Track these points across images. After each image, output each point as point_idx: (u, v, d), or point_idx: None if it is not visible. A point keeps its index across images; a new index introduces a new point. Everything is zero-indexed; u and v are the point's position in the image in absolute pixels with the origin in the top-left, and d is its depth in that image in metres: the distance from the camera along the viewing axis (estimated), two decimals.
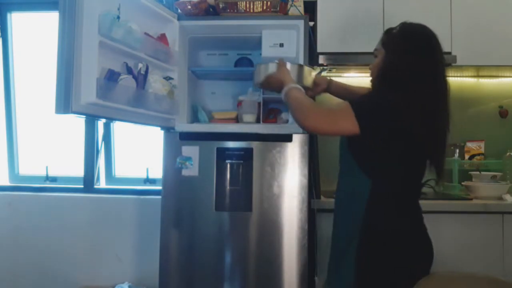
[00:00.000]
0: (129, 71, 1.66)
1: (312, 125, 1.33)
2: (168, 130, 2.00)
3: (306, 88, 1.66)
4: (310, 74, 1.72)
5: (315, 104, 1.40)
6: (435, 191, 2.19)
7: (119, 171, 2.83)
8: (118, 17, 1.55)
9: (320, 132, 1.47)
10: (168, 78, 1.91)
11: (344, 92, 1.77)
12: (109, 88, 1.51)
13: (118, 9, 1.57)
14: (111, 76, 1.53)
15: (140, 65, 1.70)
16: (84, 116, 1.57)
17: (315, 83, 1.76)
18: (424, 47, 1.31)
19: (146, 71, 1.75)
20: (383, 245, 1.29)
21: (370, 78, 1.46)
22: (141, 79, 1.71)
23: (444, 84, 1.32)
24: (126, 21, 1.59)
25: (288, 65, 1.64)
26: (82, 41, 1.43)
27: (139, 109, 1.69)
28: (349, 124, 1.26)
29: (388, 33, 1.40)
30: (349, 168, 1.37)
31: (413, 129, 1.25)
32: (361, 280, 1.30)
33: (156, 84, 1.78)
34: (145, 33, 1.76)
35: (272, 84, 1.63)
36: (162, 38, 1.91)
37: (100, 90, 1.45)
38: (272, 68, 1.65)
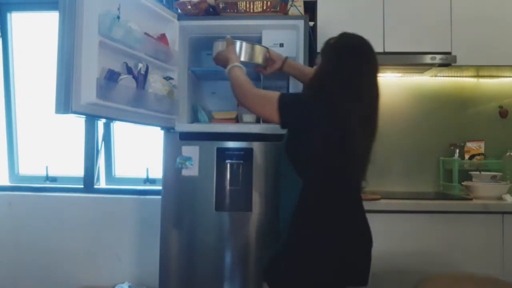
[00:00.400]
0: (129, 71, 1.66)
1: (244, 103, 1.49)
2: (168, 130, 2.00)
3: (259, 66, 1.80)
4: (261, 53, 1.79)
5: (251, 85, 1.49)
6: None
7: (119, 171, 2.83)
8: (118, 17, 1.55)
9: (250, 111, 1.63)
10: (168, 78, 1.91)
11: (296, 72, 1.84)
12: (109, 88, 1.51)
13: (118, 9, 1.57)
14: (111, 76, 1.53)
15: (140, 65, 1.70)
16: (84, 116, 1.57)
17: (272, 60, 1.82)
18: (354, 57, 1.39)
19: (146, 71, 1.75)
20: (308, 237, 1.36)
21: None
22: (141, 79, 1.71)
23: (374, 90, 1.39)
24: (126, 21, 1.59)
25: (237, 44, 1.73)
26: (82, 41, 1.43)
27: (139, 109, 1.69)
28: (272, 114, 1.37)
29: (327, 42, 1.47)
30: (286, 167, 1.43)
31: (331, 132, 1.32)
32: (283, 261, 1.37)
33: (156, 84, 1.78)
34: (145, 33, 1.76)
35: (220, 61, 1.72)
36: (162, 38, 1.91)
37: (100, 90, 1.45)
38: (222, 45, 1.73)
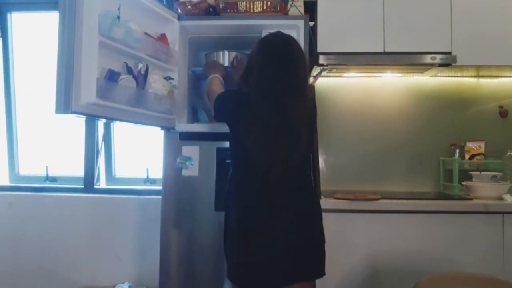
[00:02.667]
0: (129, 71, 1.66)
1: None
2: (168, 130, 2.00)
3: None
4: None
5: (216, 91, 1.68)
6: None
7: (119, 171, 2.83)
8: (118, 17, 1.55)
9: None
10: (168, 78, 1.91)
11: None
12: (109, 88, 1.51)
13: (118, 9, 1.57)
14: (111, 76, 1.53)
15: (140, 65, 1.70)
16: (84, 116, 1.57)
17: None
18: (261, 53, 1.52)
19: (146, 71, 1.75)
20: (227, 219, 1.59)
21: None
22: (141, 79, 1.71)
23: (280, 89, 1.46)
24: (126, 21, 1.59)
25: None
26: (82, 41, 1.43)
27: (139, 109, 1.69)
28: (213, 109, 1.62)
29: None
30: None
31: (239, 125, 1.50)
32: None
33: (156, 84, 1.78)
34: (145, 33, 1.76)
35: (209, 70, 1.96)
36: (162, 38, 1.90)
37: (100, 90, 1.45)
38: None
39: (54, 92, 1.41)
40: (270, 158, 1.43)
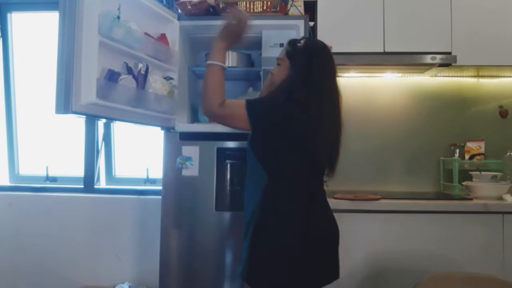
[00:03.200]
0: (129, 71, 1.66)
1: (207, 109, 1.45)
2: (168, 130, 2.00)
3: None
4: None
5: (223, 93, 1.47)
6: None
7: (119, 171, 2.83)
8: (118, 17, 1.55)
9: (212, 119, 1.52)
10: (168, 78, 1.91)
11: None
12: (109, 88, 1.51)
13: (118, 9, 1.57)
14: (111, 76, 1.53)
15: (140, 65, 1.70)
16: (84, 116, 1.57)
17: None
18: (324, 62, 1.47)
19: (146, 71, 1.74)
20: (268, 229, 1.40)
21: (268, 83, 1.58)
22: (141, 79, 1.71)
23: (337, 93, 1.47)
24: (126, 21, 1.59)
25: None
26: (82, 41, 1.43)
27: (139, 109, 1.69)
28: (240, 122, 1.42)
29: (293, 45, 1.50)
30: (251, 162, 1.49)
31: (300, 133, 1.40)
32: (250, 261, 1.40)
33: (156, 84, 1.78)
34: (145, 33, 1.75)
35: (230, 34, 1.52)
36: (162, 38, 1.90)
37: (100, 90, 1.45)
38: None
39: (54, 92, 1.41)
40: (333, 165, 1.50)
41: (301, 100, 1.40)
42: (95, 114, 1.53)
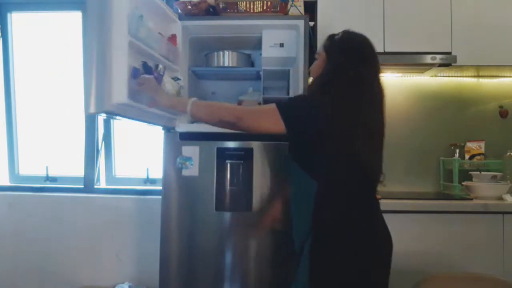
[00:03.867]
0: (148, 71, 1.61)
1: (244, 125, 1.36)
2: (168, 130, 2.00)
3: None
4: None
5: (235, 105, 1.44)
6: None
7: (119, 171, 2.83)
8: (141, 16, 1.51)
9: (246, 130, 1.42)
10: (176, 79, 1.89)
11: None
12: (135, 88, 1.49)
13: (138, 8, 1.53)
14: (135, 74, 1.50)
15: (160, 66, 1.68)
16: (108, 116, 1.55)
17: None
18: (363, 55, 1.38)
19: (163, 72, 1.73)
20: (332, 241, 1.30)
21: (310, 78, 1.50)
22: (160, 80, 1.69)
23: (379, 90, 1.38)
24: (146, 21, 1.56)
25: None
26: (112, 41, 1.41)
27: (154, 109, 1.65)
28: (272, 124, 1.31)
29: (331, 38, 1.44)
30: (296, 172, 1.38)
31: (341, 131, 1.29)
32: (314, 276, 1.30)
33: (168, 84, 1.77)
34: (159, 33, 1.75)
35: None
36: (173, 38, 1.89)
37: (131, 91, 1.44)
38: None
39: (83, 93, 1.39)
40: (379, 169, 1.41)
41: (336, 96, 1.31)
42: (122, 114, 1.50)
